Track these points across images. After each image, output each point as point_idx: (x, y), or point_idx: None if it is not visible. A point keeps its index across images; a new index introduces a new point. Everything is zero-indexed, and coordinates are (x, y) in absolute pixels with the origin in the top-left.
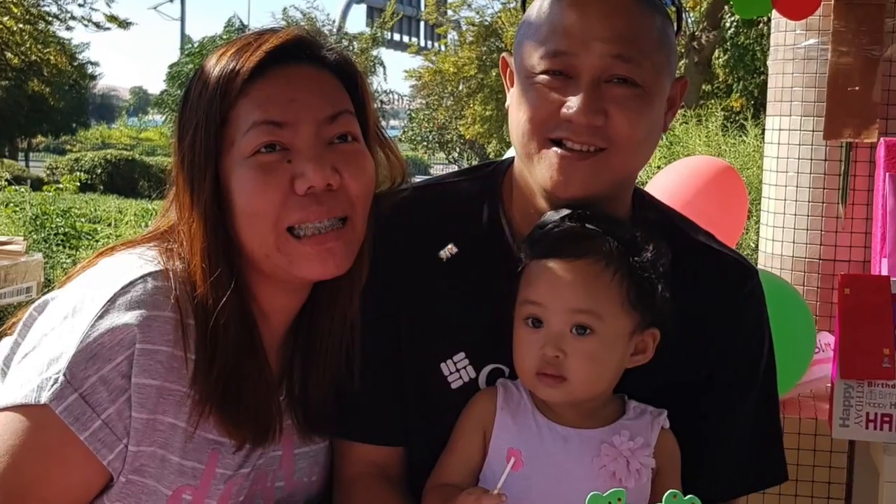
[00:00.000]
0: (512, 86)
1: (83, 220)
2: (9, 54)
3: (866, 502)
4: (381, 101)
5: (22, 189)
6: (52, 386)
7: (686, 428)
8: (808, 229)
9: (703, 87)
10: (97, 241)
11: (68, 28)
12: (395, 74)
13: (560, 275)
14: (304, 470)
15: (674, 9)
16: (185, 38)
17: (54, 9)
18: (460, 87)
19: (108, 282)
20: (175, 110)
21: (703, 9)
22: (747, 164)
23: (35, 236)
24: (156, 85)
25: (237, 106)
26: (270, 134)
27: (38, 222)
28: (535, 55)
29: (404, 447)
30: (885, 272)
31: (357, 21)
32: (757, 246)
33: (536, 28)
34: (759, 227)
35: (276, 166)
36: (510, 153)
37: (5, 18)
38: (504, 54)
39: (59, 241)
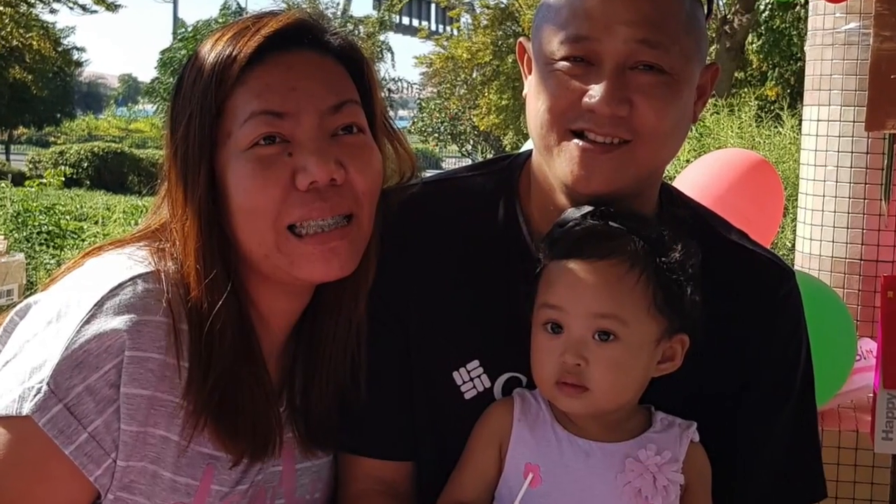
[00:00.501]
0: (530, 73)
1: (68, 217)
2: None
3: None
4: (389, 90)
5: (2, 184)
6: (35, 396)
7: (717, 441)
8: (848, 227)
9: (736, 74)
10: (83, 240)
11: (52, 11)
12: (404, 61)
13: (581, 277)
14: (306, 486)
15: None
16: (177, 22)
17: None
18: (474, 75)
19: (95, 284)
20: (167, 99)
21: None
22: (783, 157)
23: (16, 235)
24: (146, 72)
25: (234, 95)
26: (270, 125)
27: (19, 220)
28: (555, 40)
29: (414, 462)
30: None
31: (363, 3)
32: (793, 245)
33: (556, 11)
34: (795, 226)
35: (275, 160)
36: (528, 146)
37: None
38: (521, 39)
39: (43, 241)
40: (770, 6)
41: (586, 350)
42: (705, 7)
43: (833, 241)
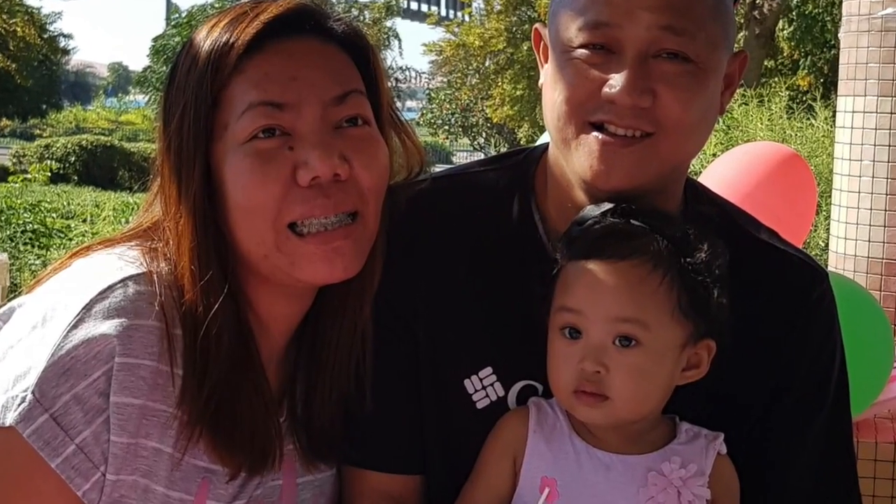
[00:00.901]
0: (546, 62)
1: (54, 215)
2: None
3: None
4: (397, 80)
5: None
6: (19, 406)
7: (745, 454)
8: (885, 226)
9: (766, 62)
10: (70, 239)
11: None
12: (413, 48)
13: (601, 278)
14: (307, 502)
15: None
16: (171, 7)
17: None
18: (487, 63)
19: (83, 286)
20: (160, 90)
21: None
22: (816, 150)
23: None
24: (138, 61)
25: (231, 85)
26: (269, 117)
27: (2, 218)
28: (573, 26)
29: (423, 476)
30: None
31: None
32: (827, 245)
33: None
34: (829, 224)
35: (275, 154)
36: (544, 139)
37: None
38: (537, 25)
39: (27, 240)
40: None
41: (606, 356)
42: None
43: (869, 241)
